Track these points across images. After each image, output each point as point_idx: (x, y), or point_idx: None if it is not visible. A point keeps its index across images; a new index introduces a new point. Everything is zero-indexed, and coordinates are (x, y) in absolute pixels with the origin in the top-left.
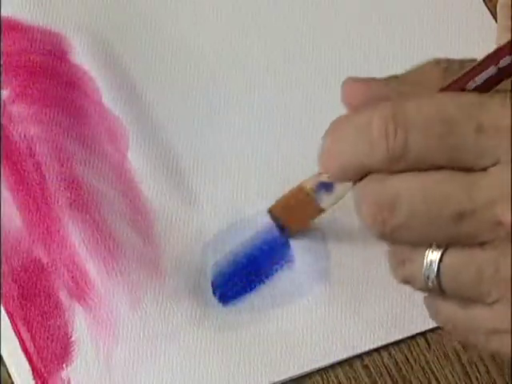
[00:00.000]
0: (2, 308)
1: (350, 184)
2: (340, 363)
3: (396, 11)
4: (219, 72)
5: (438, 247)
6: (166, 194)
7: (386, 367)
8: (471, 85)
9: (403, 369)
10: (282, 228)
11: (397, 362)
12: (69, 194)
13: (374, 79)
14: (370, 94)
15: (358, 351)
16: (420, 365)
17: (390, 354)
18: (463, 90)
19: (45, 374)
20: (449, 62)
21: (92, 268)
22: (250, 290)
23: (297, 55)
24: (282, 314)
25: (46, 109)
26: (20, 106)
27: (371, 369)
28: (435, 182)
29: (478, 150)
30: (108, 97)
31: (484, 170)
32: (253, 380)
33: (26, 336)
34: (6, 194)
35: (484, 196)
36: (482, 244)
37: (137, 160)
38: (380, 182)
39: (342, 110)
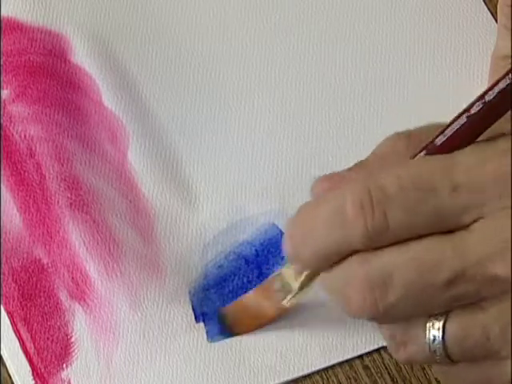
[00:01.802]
0: (2, 308)
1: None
2: (340, 363)
3: (396, 11)
4: (219, 72)
5: (438, 318)
6: (166, 194)
7: (386, 367)
8: (441, 139)
9: (403, 369)
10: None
11: (397, 362)
12: (69, 194)
13: (338, 173)
14: (339, 184)
15: (359, 352)
16: (420, 365)
17: (390, 354)
18: (435, 151)
19: (45, 375)
20: (408, 131)
21: (92, 268)
22: (251, 290)
23: (298, 56)
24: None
25: (46, 109)
26: (20, 105)
27: (371, 369)
28: (423, 250)
29: (456, 210)
30: (108, 97)
31: (466, 227)
32: (252, 381)
33: (26, 336)
34: (6, 194)
35: (473, 255)
36: (482, 301)
37: (137, 160)
38: (364, 261)
39: (342, 110)
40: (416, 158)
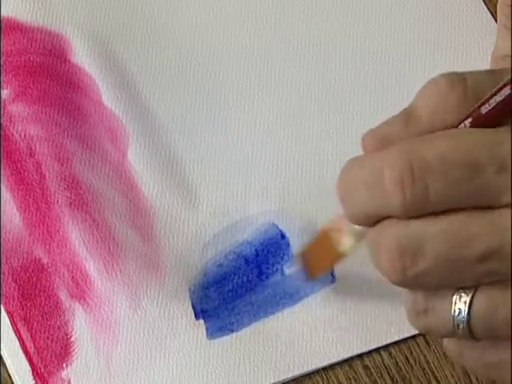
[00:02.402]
0: (2, 308)
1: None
2: (340, 363)
3: (396, 11)
4: (219, 72)
5: (466, 292)
6: (166, 194)
7: (386, 367)
8: (486, 108)
9: (403, 369)
10: (305, 271)
11: (397, 362)
12: (69, 194)
13: (388, 126)
14: (384, 142)
15: (358, 351)
16: (420, 365)
17: (390, 354)
18: (480, 120)
19: (45, 374)
20: (463, 76)
21: (92, 268)
22: (251, 289)
23: (298, 56)
24: (281, 314)
25: (45, 109)
26: (20, 105)
27: (371, 369)
28: (459, 224)
29: (500, 189)
30: (108, 97)
31: (506, 206)
32: (253, 380)
33: (25, 336)
34: (6, 193)
35: (509, 234)
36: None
37: (137, 160)
38: (399, 227)
39: (342, 110)
40: (462, 130)
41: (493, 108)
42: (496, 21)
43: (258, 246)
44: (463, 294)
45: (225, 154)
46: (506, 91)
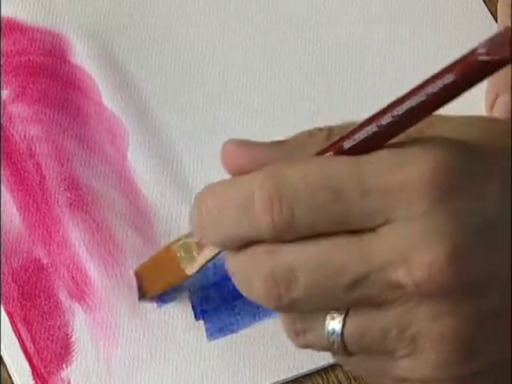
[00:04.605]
0: (2, 308)
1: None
2: None
3: (395, 11)
4: (219, 72)
5: (339, 313)
6: (166, 194)
7: None
8: (349, 143)
9: None
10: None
11: None
12: (69, 195)
13: (254, 144)
14: (251, 159)
15: None
16: None
17: None
18: (342, 150)
19: (45, 375)
20: (330, 126)
21: (92, 268)
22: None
23: (298, 56)
24: None
25: (45, 109)
26: (20, 105)
27: None
28: (328, 250)
29: (365, 214)
30: (108, 97)
31: (372, 230)
32: (253, 380)
33: (25, 336)
34: (6, 194)
35: (377, 260)
36: (383, 304)
37: (137, 160)
38: (271, 253)
39: (342, 111)
40: (329, 156)
41: (357, 143)
42: (496, 21)
43: None
44: (336, 315)
45: None
46: (373, 128)
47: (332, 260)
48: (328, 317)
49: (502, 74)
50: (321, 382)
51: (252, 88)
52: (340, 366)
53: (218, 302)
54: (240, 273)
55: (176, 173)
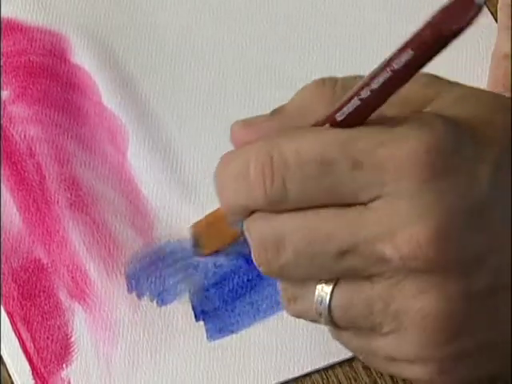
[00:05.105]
0: (2, 308)
1: None
2: (340, 363)
3: (396, 11)
4: (220, 71)
5: (327, 283)
6: (166, 194)
7: None
8: (340, 116)
9: None
10: (196, 246)
11: None
12: (69, 195)
13: (257, 119)
14: (257, 135)
15: None
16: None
17: None
18: (336, 122)
19: (45, 374)
20: (335, 78)
21: (92, 268)
22: (251, 288)
23: (298, 55)
24: (282, 314)
25: (45, 109)
26: (20, 106)
27: (371, 369)
28: (317, 220)
29: (355, 187)
30: (108, 97)
31: (363, 203)
32: (253, 381)
33: (25, 336)
34: (6, 194)
35: (365, 232)
36: (370, 277)
37: (137, 160)
38: (264, 221)
39: None
40: (321, 128)
41: (349, 114)
42: (496, 21)
43: None
44: (325, 285)
45: None
46: (356, 101)
47: (319, 228)
48: (318, 286)
49: (502, 74)
50: (321, 381)
51: (252, 87)
52: (340, 365)
53: (218, 302)
54: (248, 237)
55: (176, 173)
